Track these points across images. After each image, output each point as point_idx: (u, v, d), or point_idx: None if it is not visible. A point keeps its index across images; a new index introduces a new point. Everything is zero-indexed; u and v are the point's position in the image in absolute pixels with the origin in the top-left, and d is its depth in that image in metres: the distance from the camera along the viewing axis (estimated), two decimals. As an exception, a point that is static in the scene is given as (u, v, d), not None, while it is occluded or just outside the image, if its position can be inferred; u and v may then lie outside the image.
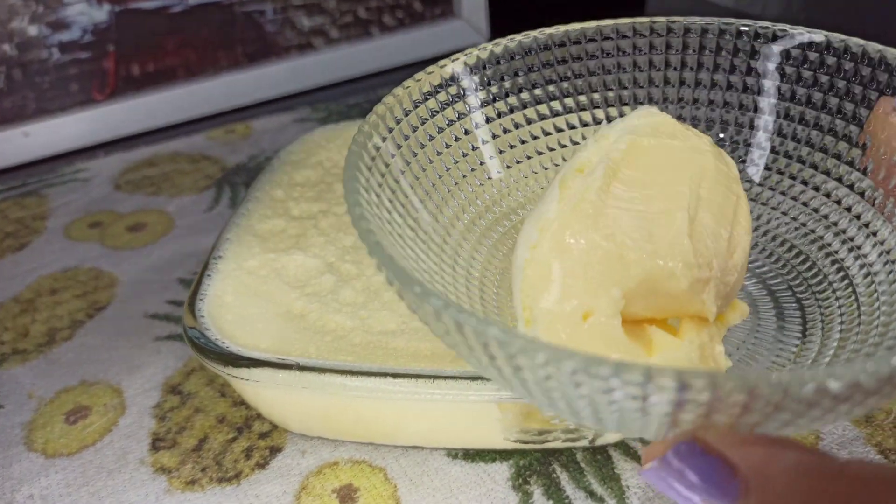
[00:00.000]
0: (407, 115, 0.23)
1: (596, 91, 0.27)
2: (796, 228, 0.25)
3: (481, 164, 0.26)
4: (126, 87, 0.56)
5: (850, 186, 0.24)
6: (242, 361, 0.27)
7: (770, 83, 0.25)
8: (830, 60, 0.24)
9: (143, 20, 0.55)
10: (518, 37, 0.26)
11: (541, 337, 0.20)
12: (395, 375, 0.26)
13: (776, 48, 0.25)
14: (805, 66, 0.24)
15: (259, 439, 0.31)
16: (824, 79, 0.24)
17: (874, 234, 0.23)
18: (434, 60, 0.25)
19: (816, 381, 0.13)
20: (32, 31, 0.52)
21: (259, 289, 0.30)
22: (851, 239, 0.24)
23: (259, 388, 0.28)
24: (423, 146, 0.24)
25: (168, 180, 0.50)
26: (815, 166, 0.25)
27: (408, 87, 0.24)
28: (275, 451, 0.30)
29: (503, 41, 0.26)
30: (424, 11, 0.63)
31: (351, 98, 0.59)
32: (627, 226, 0.20)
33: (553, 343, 0.19)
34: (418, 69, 0.25)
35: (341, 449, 0.30)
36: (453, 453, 0.30)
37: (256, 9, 0.58)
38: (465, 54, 0.25)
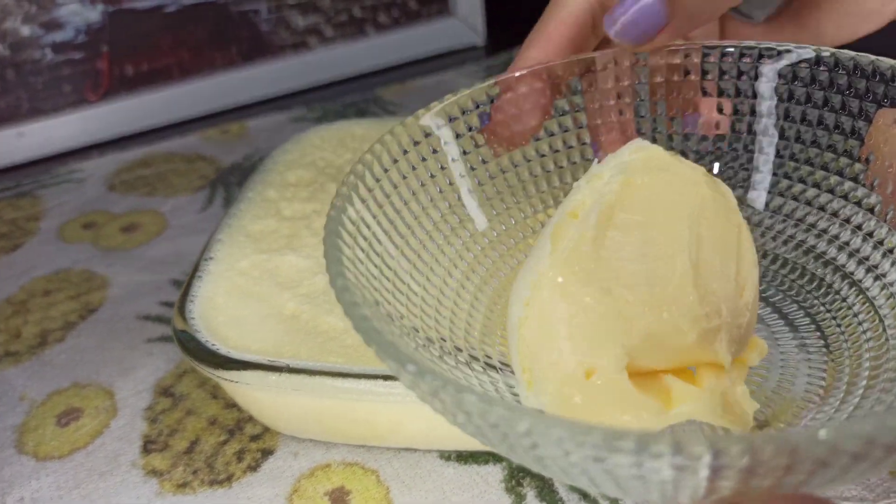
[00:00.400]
0: (386, 171, 0.22)
1: (581, 127, 0.26)
2: (806, 252, 0.24)
3: (467, 215, 0.24)
4: (120, 87, 0.56)
5: (858, 203, 0.23)
6: (232, 364, 0.26)
7: (762, 104, 0.24)
8: (822, 76, 0.23)
9: (137, 20, 0.55)
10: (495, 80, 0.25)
11: (545, 400, 0.19)
12: (386, 377, 0.26)
13: (764, 68, 0.24)
14: (796, 83, 0.24)
15: (251, 441, 0.31)
16: (818, 95, 0.23)
17: (890, 251, 0.22)
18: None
19: (864, 435, 0.12)
20: (25, 31, 0.52)
21: (251, 290, 0.30)
22: (867, 258, 0.23)
23: (250, 391, 0.27)
24: (405, 203, 0.23)
25: (162, 180, 0.49)
26: (817, 185, 0.24)
27: (385, 143, 0.22)
28: (266, 453, 0.30)
29: (482, 86, 0.24)
30: (420, 10, 0.63)
31: (347, 97, 0.59)
32: (626, 277, 0.19)
33: (564, 412, 0.18)
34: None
35: (334, 451, 0.30)
36: (446, 455, 0.30)
37: (251, 8, 0.58)
38: (442, 102, 0.24)
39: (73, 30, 0.54)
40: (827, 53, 0.23)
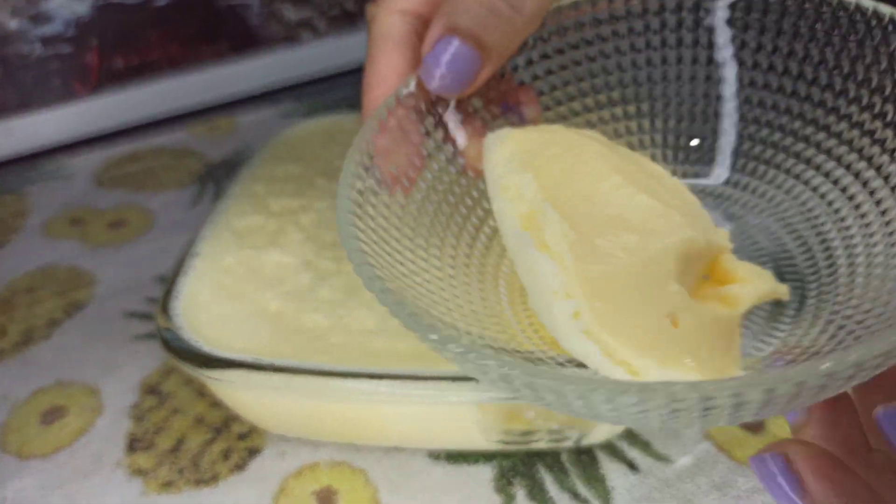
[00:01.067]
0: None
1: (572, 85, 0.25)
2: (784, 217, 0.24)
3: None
4: (109, 81, 0.55)
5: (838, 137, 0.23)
6: (216, 363, 0.26)
7: (725, 52, 0.24)
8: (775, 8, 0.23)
9: (126, 13, 0.54)
10: None
11: (663, 374, 0.19)
12: (372, 377, 0.25)
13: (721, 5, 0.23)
14: (752, 14, 0.23)
15: (237, 440, 0.30)
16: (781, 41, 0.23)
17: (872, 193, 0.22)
18: None
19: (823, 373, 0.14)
20: (13, 24, 0.51)
21: (235, 287, 0.30)
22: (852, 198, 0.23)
23: (235, 390, 0.27)
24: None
25: (151, 176, 0.49)
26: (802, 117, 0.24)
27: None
28: (253, 452, 0.30)
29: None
30: (413, 4, 0.62)
31: (338, 92, 0.58)
32: (621, 231, 0.20)
33: (686, 374, 0.18)
34: None
35: (321, 450, 0.30)
36: (435, 455, 0.29)
37: (241, 1, 0.57)
38: None
39: (61, 23, 0.53)
40: None
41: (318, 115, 0.46)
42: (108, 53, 0.55)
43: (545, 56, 0.25)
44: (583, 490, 0.28)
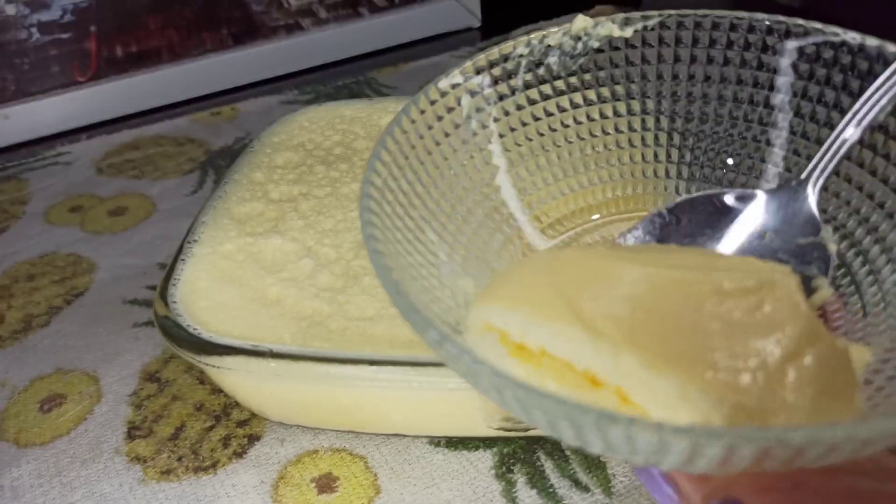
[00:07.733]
0: (414, 147, 0.22)
1: (603, 86, 0.26)
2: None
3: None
4: (109, 68, 0.55)
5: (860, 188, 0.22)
6: (215, 349, 0.26)
7: (784, 80, 0.24)
8: (845, 59, 0.22)
9: (125, -1, 0.54)
10: (520, 38, 0.25)
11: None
12: (372, 363, 0.25)
13: (791, 45, 0.23)
14: (817, 63, 0.23)
15: (237, 427, 0.30)
16: (838, 77, 0.23)
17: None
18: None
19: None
20: (10, 10, 0.51)
21: (234, 274, 0.30)
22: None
23: (233, 377, 0.27)
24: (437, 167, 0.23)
25: (151, 164, 0.49)
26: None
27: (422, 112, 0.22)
28: (253, 439, 0.30)
29: (506, 45, 0.24)
30: (415, -10, 0.62)
31: (339, 79, 0.58)
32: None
33: None
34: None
35: (321, 437, 0.29)
36: (435, 441, 0.29)
37: (242, -12, 0.57)
38: (470, 62, 0.24)
39: (59, 9, 0.53)
40: (852, 37, 0.22)
41: (318, 103, 0.45)
42: (107, 40, 0.54)
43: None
44: (583, 477, 0.28)
